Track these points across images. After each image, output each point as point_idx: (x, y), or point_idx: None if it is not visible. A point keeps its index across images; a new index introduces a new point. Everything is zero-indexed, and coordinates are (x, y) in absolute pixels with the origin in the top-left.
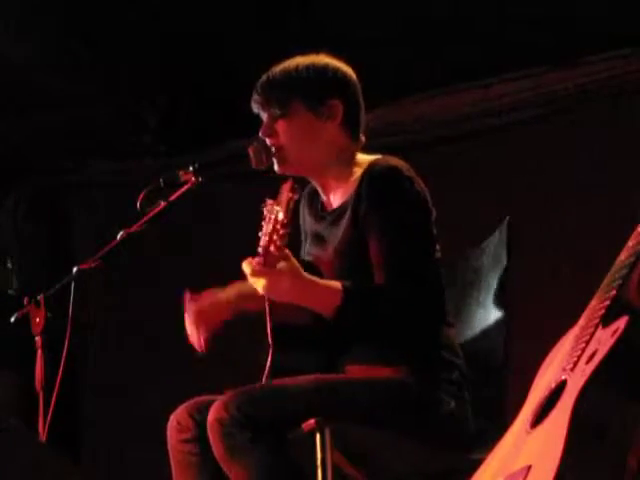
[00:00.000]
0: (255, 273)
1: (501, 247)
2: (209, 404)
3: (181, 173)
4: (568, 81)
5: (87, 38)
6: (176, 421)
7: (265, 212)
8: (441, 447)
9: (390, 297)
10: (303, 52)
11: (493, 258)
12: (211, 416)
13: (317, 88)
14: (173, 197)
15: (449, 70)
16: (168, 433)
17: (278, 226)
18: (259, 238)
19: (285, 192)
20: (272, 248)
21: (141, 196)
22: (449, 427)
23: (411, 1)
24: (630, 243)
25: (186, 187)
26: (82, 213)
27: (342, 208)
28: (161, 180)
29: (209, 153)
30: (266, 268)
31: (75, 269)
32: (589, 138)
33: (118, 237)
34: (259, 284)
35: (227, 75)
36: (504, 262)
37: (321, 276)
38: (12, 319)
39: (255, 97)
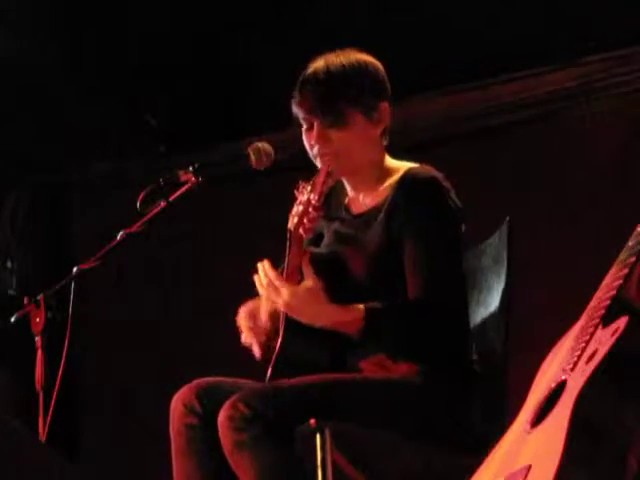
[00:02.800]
0: (273, 290)
1: (501, 247)
2: (218, 388)
3: (181, 173)
4: (568, 81)
5: (87, 38)
6: (181, 403)
7: (297, 194)
8: (444, 449)
9: (418, 314)
10: (304, 52)
11: (493, 258)
12: (221, 415)
13: (370, 93)
14: (173, 197)
15: (449, 70)
16: (171, 415)
17: (310, 208)
18: (287, 219)
19: (322, 175)
20: (301, 230)
21: (141, 196)
22: (454, 430)
23: (411, 1)
24: (630, 243)
25: (186, 187)
26: (82, 213)
27: (374, 212)
28: (161, 180)
29: (209, 153)
30: (285, 285)
31: (75, 269)
32: (589, 138)
33: (118, 237)
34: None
35: (227, 75)
36: (504, 262)
37: (344, 272)
38: (12, 319)
39: (301, 100)
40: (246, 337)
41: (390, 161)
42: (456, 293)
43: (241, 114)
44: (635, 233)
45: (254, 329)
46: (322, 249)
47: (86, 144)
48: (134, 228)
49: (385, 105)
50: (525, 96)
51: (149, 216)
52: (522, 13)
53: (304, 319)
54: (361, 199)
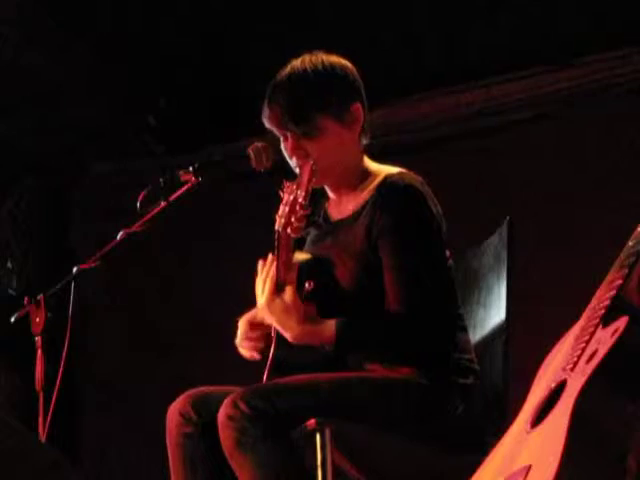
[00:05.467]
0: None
1: (501, 247)
2: (214, 397)
3: (181, 173)
4: (567, 81)
5: (87, 38)
6: (178, 412)
7: (282, 194)
8: (443, 449)
9: (392, 327)
10: (304, 52)
11: (493, 258)
12: (221, 414)
13: (339, 96)
14: (173, 197)
15: (449, 70)
16: (168, 425)
17: (297, 207)
18: (275, 220)
19: (306, 174)
20: (289, 230)
21: (141, 196)
22: (454, 430)
23: (411, 2)
24: (630, 243)
25: (186, 187)
26: (82, 213)
27: (353, 217)
28: (161, 180)
29: (209, 153)
30: (269, 289)
31: (75, 269)
32: (589, 138)
33: (118, 237)
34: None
35: (227, 75)
36: (504, 262)
37: (330, 277)
38: (12, 319)
39: (269, 114)
40: (241, 349)
41: (370, 163)
42: (431, 302)
43: (241, 114)
44: (635, 233)
45: (252, 337)
46: (306, 255)
47: (86, 144)
48: (134, 228)
49: (357, 106)
50: (525, 96)
51: (149, 216)
52: (522, 13)
53: (276, 327)
54: (343, 204)
